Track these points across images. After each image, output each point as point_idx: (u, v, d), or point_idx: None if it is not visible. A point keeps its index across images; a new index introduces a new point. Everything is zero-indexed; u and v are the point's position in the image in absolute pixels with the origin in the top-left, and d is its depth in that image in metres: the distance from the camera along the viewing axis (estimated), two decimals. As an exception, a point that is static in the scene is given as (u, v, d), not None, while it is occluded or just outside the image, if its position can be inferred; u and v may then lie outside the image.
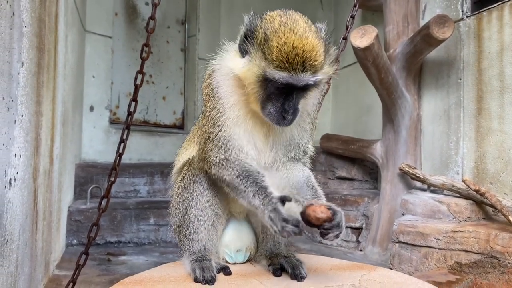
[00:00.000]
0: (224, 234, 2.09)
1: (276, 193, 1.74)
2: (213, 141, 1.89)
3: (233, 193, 1.88)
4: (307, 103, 1.92)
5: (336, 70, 2.46)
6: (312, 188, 1.95)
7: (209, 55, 2.00)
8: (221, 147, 1.87)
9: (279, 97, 1.74)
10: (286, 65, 1.64)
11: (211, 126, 1.90)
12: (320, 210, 1.66)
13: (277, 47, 1.65)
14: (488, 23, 3.87)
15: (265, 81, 1.72)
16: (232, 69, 1.83)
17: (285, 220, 1.60)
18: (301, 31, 1.67)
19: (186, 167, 2.06)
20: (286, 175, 1.99)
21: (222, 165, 1.87)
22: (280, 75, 1.66)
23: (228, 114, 1.87)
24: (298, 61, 1.64)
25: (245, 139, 1.90)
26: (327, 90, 2.60)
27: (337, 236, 1.69)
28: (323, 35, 1.79)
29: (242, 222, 2.14)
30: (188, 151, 2.17)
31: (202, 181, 1.99)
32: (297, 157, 2.02)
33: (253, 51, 1.74)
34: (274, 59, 1.65)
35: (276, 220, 1.62)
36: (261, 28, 1.73)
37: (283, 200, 1.70)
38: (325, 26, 1.86)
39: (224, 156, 1.87)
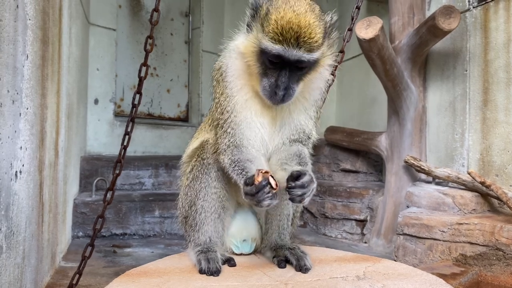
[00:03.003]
0: (230, 224, 2.09)
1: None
2: (222, 128, 1.92)
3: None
4: (310, 88, 1.94)
5: (340, 59, 2.44)
6: (299, 156, 1.96)
7: (220, 46, 2.06)
8: (230, 133, 1.91)
9: (274, 73, 1.78)
10: (280, 38, 1.70)
11: (220, 113, 1.94)
12: (261, 175, 1.65)
13: (274, 20, 1.71)
14: (495, 13, 3.82)
15: (261, 54, 1.78)
16: (238, 47, 1.91)
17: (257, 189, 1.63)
18: (300, 9, 1.73)
19: (195, 158, 2.06)
20: (286, 151, 2.00)
21: (228, 152, 1.90)
22: (274, 47, 1.72)
23: (236, 99, 1.91)
24: (292, 36, 1.69)
25: (253, 123, 1.93)
26: (332, 81, 2.58)
27: (301, 196, 1.68)
28: (327, 20, 1.83)
29: (248, 212, 2.15)
30: (198, 139, 2.17)
31: (210, 172, 1.99)
32: (301, 140, 2.03)
33: (255, 26, 1.82)
34: (270, 31, 1.72)
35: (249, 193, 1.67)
36: (265, 4, 1.81)
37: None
38: (336, 16, 1.89)
39: (230, 142, 1.90)
